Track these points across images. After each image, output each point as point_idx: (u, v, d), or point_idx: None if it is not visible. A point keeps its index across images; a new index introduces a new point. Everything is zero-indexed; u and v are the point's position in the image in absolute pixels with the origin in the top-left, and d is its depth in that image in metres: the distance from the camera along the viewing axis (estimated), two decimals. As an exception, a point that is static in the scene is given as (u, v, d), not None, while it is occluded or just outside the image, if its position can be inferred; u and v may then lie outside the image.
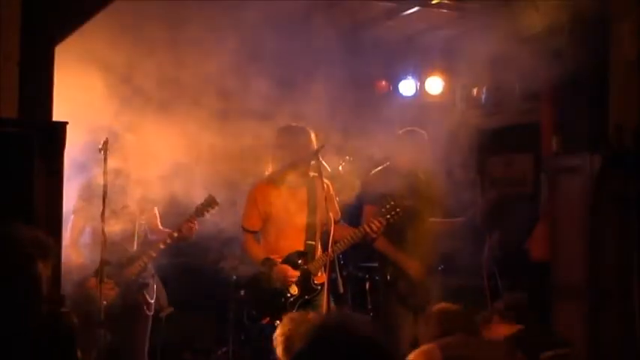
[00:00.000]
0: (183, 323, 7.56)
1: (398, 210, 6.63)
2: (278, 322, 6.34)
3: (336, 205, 6.67)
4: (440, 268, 7.26)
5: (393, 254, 6.99)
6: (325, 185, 6.36)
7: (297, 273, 6.42)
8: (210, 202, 6.47)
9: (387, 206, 6.65)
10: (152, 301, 6.51)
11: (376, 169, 7.26)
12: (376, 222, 6.51)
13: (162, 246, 6.39)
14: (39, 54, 4.80)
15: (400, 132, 7.24)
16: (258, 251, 6.54)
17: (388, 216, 6.65)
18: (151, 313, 6.52)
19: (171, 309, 7.54)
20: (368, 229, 6.50)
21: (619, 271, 5.56)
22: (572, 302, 6.41)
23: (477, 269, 7.24)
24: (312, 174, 6.50)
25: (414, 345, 6.71)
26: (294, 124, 6.61)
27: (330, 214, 6.24)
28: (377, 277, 7.56)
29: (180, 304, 7.25)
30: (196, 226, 6.42)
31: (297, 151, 6.43)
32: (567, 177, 6.71)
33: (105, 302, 5.95)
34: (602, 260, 5.88)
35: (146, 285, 6.40)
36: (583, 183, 6.39)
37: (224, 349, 7.62)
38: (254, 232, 6.58)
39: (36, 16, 4.80)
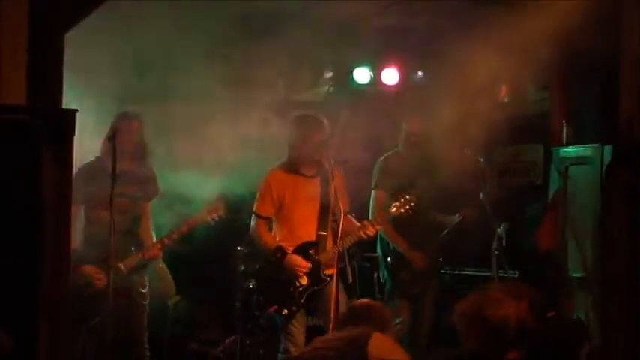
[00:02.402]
0: (191, 312, 7.56)
1: (412, 205, 6.64)
2: (286, 311, 6.38)
3: (346, 197, 6.65)
4: (440, 259, 7.27)
5: (398, 243, 7.01)
6: (338, 175, 6.40)
7: (308, 264, 6.41)
8: (216, 210, 6.46)
9: (402, 200, 6.66)
10: (145, 291, 6.47)
11: (387, 154, 7.27)
12: (371, 228, 6.50)
13: (159, 246, 6.39)
14: (48, 41, 4.78)
15: (408, 118, 7.25)
16: (269, 238, 6.53)
17: (402, 210, 6.66)
18: (146, 302, 6.49)
19: (178, 297, 7.55)
20: (363, 235, 6.48)
21: (628, 265, 5.52)
22: (580, 294, 6.39)
23: (486, 259, 7.21)
24: (327, 165, 6.48)
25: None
26: (309, 112, 6.61)
27: (340, 205, 6.26)
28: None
29: (187, 293, 7.25)
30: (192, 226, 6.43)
31: (312, 140, 6.43)
32: (577, 168, 6.68)
33: (93, 290, 5.97)
34: (610, 252, 5.85)
35: (134, 279, 6.36)
36: (592, 174, 6.36)
37: (231, 339, 7.62)
38: (266, 219, 6.57)
39: (45, 3, 4.78)
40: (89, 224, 6.31)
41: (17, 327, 4.27)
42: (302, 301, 6.42)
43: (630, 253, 5.48)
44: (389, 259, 7.14)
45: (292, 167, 6.56)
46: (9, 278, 4.32)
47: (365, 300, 5.57)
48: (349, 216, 6.65)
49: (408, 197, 6.71)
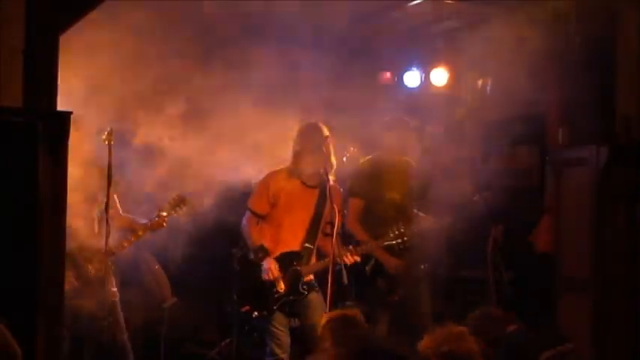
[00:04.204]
0: (187, 314, 7.55)
1: (405, 239, 6.57)
2: (256, 313, 6.38)
3: (341, 217, 6.56)
4: (423, 266, 7.15)
5: (374, 249, 6.89)
6: (338, 193, 6.39)
7: (280, 275, 6.37)
8: (178, 202, 6.45)
9: (396, 232, 6.59)
10: (115, 289, 6.42)
11: (363, 160, 7.19)
12: (350, 257, 6.42)
13: (125, 244, 6.34)
14: (43, 43, 4.78)
15: (385, 119, 7.18)
16: (256, 235, 6.50)
17: (394, 242, 6.60)
18: (116, 299, 6.43)
19: (174, 300, 7.53)
20: (340, 261, 6.35)
21: (625, 265, 5.54)
22: (577, 295, 6.39)
23: (482, 261, 7.21)
24: (332, 179, 6.43)
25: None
26: (315, 122, 6.58)
27: (335, 207, 6.22)
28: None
29: (183, 295, 7.24)
30: (165, 222, 6.40)
31: (316, 149, 6.41)
32: (573, 169, 6.68)
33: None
34: (607, 253, 5.86)
35: (104, 280, 6.32)
36: (589, 175, 6.36)
37: (227, 341, 7.62)
38: (258, 216, 6.55)
39: (40, 5, 4.78)
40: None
41: (16, 319, 4.28)
42: (274, 307, 6.41)
43: (627, 254, 5.50)
44: (367, 267, 7.02)
45: (294, 173, 6.55)
46: (8, 275, 4.33)
47: (339, 313, 5.44)
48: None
49: (401, 231, 6.64)
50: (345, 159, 7.74)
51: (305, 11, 7.19)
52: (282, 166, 6.64)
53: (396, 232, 6.60)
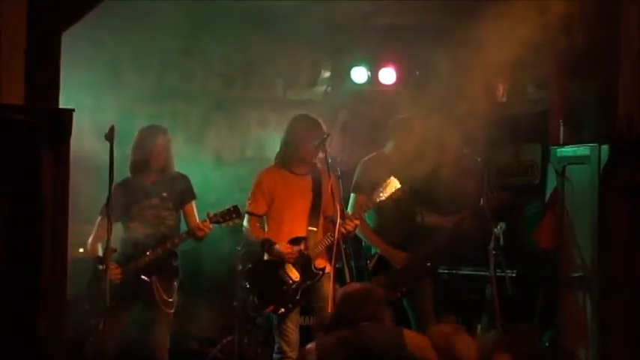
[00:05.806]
0: (190, 312, 7.55)
1: (397, 188, 6.52)
2: (282, 309, 6.38)
3: (341, 203, 6.56)
4: (428, 264, 7.12)
5: (375, 243, 6.89)
6: (334, 179, 6.37)
7: (296, 248, 6.42)
8: (230, 214, 6.48)
9: (385, 185, 6.52)
10: (171, 300, 6.48)
11: (369, 156, 7.18)
12: (349, 222, 6.40)
13: (168, 246, 6.41)
14: (45, 41, 4.79)
15: (394, 119, 7.19)
16: (259, 233, 6.55)
17: (387, 194, 6.50)
18: (171, 311, 6.50)
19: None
20: (343, 230, 6.32)
21: (628, 263, 5.54)
22: (579, 293, 6.39)
23: (483, 259, 7.19)
24: (319, 165, 6.50)
25: None
26: (307, 114, 6.64)
27: (337, 204, 6.23)
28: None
29: (186, 293, 7.24)
30: (208, 230, 6.45)
31: (307, 141, 6.46)
32: (575, 167, 6.68)
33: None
34: (610, 251, 5.86)
35: (142, 281, 6.39)
36: (591, 173, 6.36)
37: (230, 338, 7.62)
38: (258, 216, 6.59)
39: (42, 3, 4.78)
40: (125, 233, 6.50)
41: (18, 320, 4.30)
42: (297, 297, 6.43)
43: (629, 252, 5.50)
44: (369, 263, 7.01)
45: (284, 164, 6.62)
46: (10, 275, 4.35)
47: (357, 285, 5.58)
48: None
49: (391, 180, 6.56)
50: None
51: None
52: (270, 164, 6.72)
53: (388, 182, 6.53)
